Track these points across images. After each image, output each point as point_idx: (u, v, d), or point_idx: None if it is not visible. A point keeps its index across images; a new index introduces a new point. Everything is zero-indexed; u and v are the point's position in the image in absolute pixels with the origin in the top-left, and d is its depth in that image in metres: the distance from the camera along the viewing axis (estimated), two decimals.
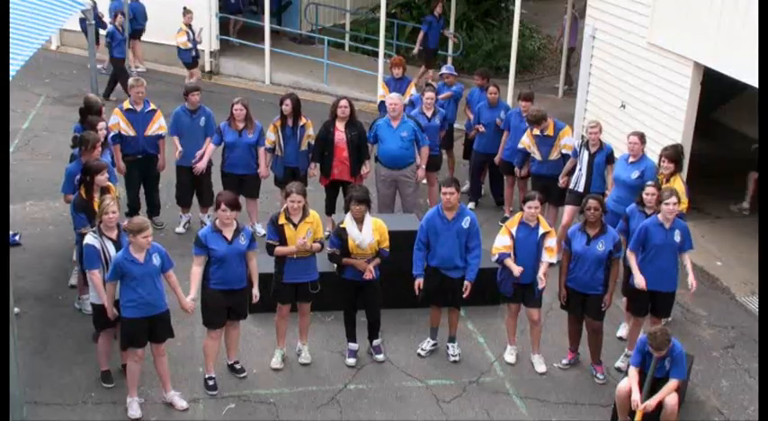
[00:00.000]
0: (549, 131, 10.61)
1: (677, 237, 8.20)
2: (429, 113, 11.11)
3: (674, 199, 8.10)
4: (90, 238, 7.56)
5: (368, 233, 8.16)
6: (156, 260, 7.37)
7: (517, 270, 8.22)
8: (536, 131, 10.66)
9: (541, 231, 8.27)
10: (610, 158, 10.11)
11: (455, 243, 8.32)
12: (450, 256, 8.34)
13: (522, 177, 11.25)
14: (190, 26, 15.87)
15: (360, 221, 8.18)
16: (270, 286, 8.28)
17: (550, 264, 8.40)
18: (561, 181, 10.50)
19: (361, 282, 8.29)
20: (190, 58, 16.07)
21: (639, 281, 8.21)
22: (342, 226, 8.23)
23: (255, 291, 8.03)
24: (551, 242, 8.31)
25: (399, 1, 20.20)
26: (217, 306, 7.80)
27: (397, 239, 8.58)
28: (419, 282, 8.44)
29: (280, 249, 8.06)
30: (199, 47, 16.27)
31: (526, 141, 10.80)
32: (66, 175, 9.05)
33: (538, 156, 10.73)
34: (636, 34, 12.25)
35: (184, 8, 16.13)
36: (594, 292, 8.23)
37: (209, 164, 10.81)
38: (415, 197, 10.83)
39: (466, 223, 8.33)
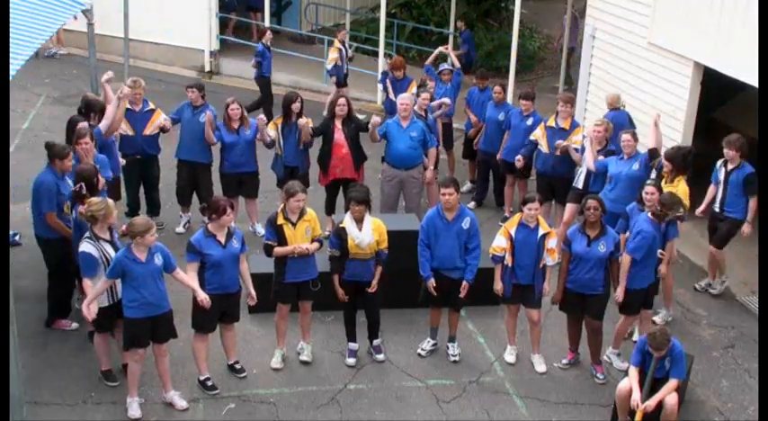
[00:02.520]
0: (566, 125, 10.65)
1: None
2: (422, 113, 11.13)
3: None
4: (86, 245, 7.48)
5: (367, 233, 8.16)
6: (157, 260, 7.34)
7: (499, 286, 8.36)
8: (551, 123, 10.71)
9: (541, 232, 8.26)
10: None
11: (455, 243, 8.31)
12: (451, 257, 8.34)
13: (519, 169, 11.26)
14: (343, 43, 15.18)
15: (359, 221, 8.18)
16: (270, 286, 8.28)
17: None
18: (559, 144, 10.55)
19: (360, 283, 8.29)
20: (341, 75, 15.32)
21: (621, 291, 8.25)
22: (341, 225, 8.23)
23: (253, 292, 8.03)
24: (552, 243, 8.30)
25: (399, 1, 20.19)
26: (210, 311, 7.77)
27: (397, 239, 8.59)
28: (431, 282, 8.38)
29: (279, 250, 8.06)
30: (337, 64, 15.13)
31: (538, 133, 10.85)
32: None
33: (545, 149, 10.75)
34: (636, 34, 12.24)
35: (339, 25, 15.76)
36: (594, 293, 8.23)
37: (209, 163, 10.81)
38: (419, 197, 10.83)
39: (466, 224, 8.33)
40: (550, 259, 8.32)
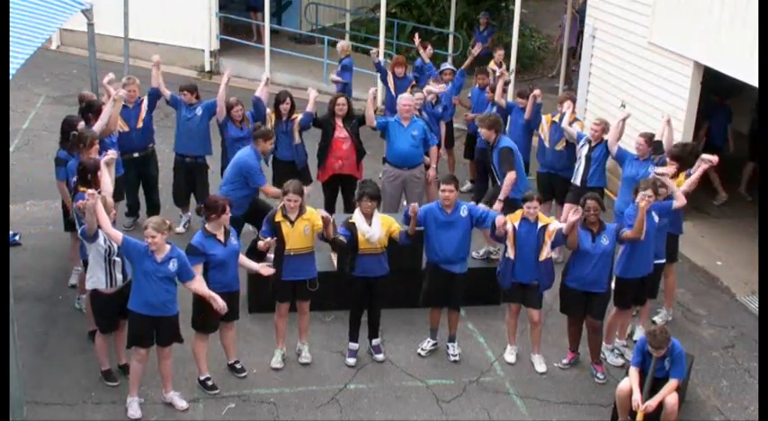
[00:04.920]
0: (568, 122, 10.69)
1: (656, 218, 8.48)
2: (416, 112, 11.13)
3: (649, 192, 8.18)
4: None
5: (377, 228, 8.18)
6: (172, 265, 7.29)
7: (502, 224, 8.19)
8: (556, 118, 10.79)
9: (540, 225, 8.27)
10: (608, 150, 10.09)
11: (456, 235, 8.33)
12: (451, 249, 8.35)
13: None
14: (500, 64, 13.72)
15: (369, 216, 8.20)
16: (268, 285, 8.28)
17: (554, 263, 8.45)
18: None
19: (371, 279, 8.28)
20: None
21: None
22: (351, 221, 8.23)
23: (257, 267, 7.94)
24: (554, 226, 8.27)
25: (399, 1, 20.19)
26: (213, 311, 7.76)
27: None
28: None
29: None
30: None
31: (544, 126, 10.94)
32: (67, 166, 9.01)
33: (546, 143, 10.82)
34: (636, 34, 12.24)
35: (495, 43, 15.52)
36: (598, 291, 8.25)
37: (206, 165, 10.82)
38: (421, 197, 10.84)
39: (464, 212, 8.36)
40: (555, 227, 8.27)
